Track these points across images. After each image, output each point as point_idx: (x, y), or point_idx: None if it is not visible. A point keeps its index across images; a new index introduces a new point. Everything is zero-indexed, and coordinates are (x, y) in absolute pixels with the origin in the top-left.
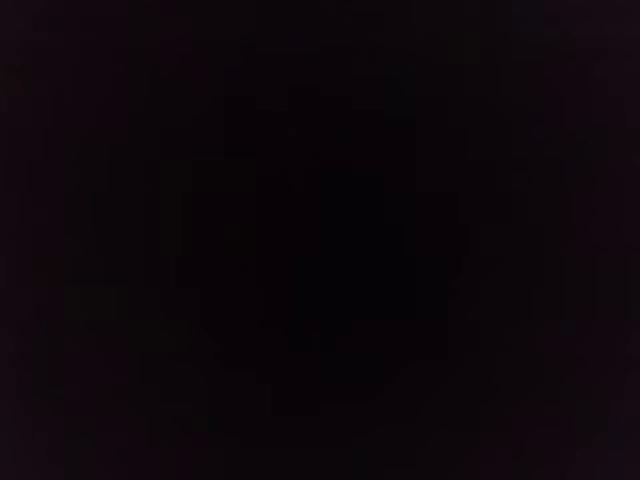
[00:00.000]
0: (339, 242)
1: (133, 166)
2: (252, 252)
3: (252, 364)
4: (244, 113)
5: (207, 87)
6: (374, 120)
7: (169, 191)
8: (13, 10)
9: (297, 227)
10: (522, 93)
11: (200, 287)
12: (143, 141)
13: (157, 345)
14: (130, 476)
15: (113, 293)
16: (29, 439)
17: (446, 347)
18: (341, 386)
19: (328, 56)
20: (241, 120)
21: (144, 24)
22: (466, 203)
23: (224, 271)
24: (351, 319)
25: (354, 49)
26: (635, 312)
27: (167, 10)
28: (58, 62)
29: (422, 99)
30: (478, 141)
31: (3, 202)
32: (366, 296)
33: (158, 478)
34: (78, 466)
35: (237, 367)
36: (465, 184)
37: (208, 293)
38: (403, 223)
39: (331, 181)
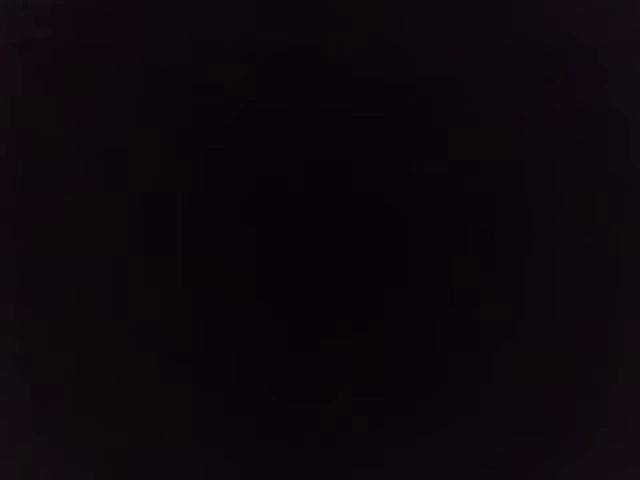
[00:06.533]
0: (339, 242)
1: (133, 166)
2: (252, 253)
3: (252, 363)
4: (244, 114)
5: (207, 88)
6: (373, 124)
7: (168, 192)
8: (13, 8)
9: (297, 228)
10: (520, 94)
11: (201, 287)
12: (143, 142)
13: (157, 345)
14: (130, 477)
15: (114, 293)
16: (29, 439)
17: (446, 347)
18: (343, 385)
19: (329, 58)
20: (241, 122)
21: (144, 23)
22: (464, 205)
23: (224, 271)
24: (349, 318)
25: (355, 52)
26: (633, 311)
27: (167, 11)
28: (58, 61)
29: (421, 101)
30: (477, 143)
31: (4, 201)
32: (365, 296)
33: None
34: (78, 467)
35: (238, 367)
36: (464, 186)
37: (209, 292)
38: (402, 224)
39: (330, 182)
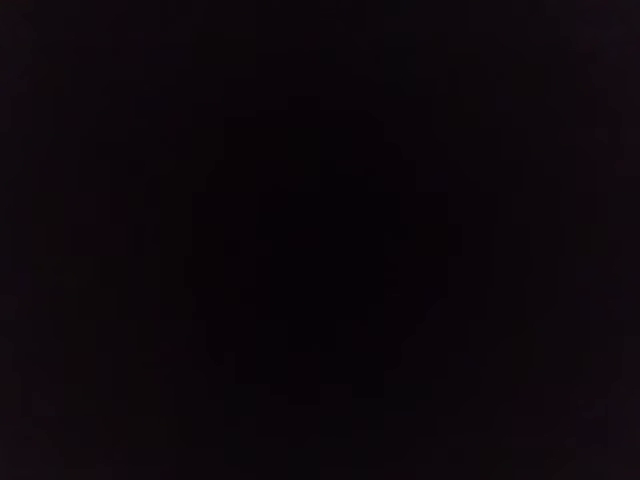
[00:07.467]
0: (340, 245)
1: (134, 168)
2: (252, 255)
3: (252, 363)
4: (244, 116)
5: (208, 88)
6: (371, 123)
7: (167, 191)
8: (16, 10)
9: (297, 227)
10: (519, 95)
11: (202, 287)
12: (143, 144)
13: (157, 345)
14: (130, 476)
15: (114, 294)
16: (29, 439)
17: (446, 347)
18: (340, 384)
19: (328, 58)
20: (241, 123)
21: (145, 26)
22: (462, 206)
23: (225, 272)
24: (349, 319)
25: (354, 52)
26: (629, 308)
27: (168, 11)
28: (58, 61)
29: (419, 103)
30: (475, 145)
31: (5, 203)
32: (364, 296)
33: (158, 478)
34: (78, 467)
35: (238, 367)
36: (462, 187)
37: (209, 292)
38: (402, 224)
39: (329, 182)
